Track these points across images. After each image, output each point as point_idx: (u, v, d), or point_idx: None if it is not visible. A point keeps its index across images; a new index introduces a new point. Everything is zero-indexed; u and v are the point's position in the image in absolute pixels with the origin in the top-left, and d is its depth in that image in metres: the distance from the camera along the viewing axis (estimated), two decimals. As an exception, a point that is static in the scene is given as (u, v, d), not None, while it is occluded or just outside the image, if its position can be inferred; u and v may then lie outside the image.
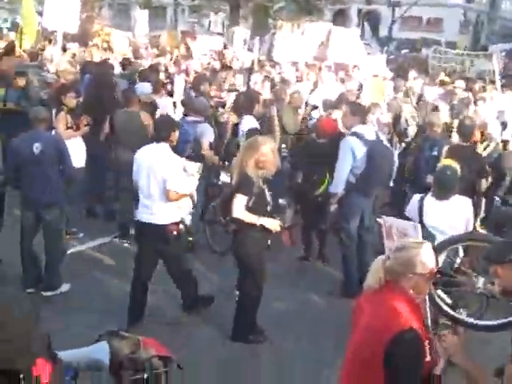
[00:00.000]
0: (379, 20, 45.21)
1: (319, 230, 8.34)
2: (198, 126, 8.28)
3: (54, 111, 8.37)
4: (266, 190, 5.94)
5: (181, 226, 6.76)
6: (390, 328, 3.25)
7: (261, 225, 5.84)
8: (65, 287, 6.97)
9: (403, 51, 33.83)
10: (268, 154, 5.82)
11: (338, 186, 7.31)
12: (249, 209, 5.82)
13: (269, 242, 6.23)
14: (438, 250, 4.94)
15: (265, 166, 5.85)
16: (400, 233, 4.47)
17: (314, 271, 8.21)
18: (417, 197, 6.14)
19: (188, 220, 7.80)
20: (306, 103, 11.20)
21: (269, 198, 5.93)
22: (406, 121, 11.04)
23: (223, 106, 9.91)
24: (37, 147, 6.66)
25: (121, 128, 8.48)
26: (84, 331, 5.78)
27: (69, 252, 7.65)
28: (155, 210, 6.28)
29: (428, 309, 4.18)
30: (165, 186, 6.17)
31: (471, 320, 4.92)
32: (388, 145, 7.54)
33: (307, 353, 6.10)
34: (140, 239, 6.61)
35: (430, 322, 4.19)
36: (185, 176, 6.72)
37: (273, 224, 5.91)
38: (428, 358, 3.40)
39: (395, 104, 11.19)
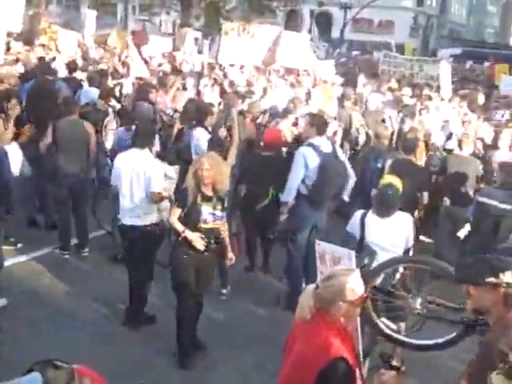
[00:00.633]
0: (331, 22, 45.66)
1: (263, 240, 8.31)
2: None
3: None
4: (206, 207, 5.81)
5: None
6: (322, 357, 3.29)
7: (188, 240, 5.80)
8: (1, 302, 6.73)
9: (354, 52, 34.20)
10: (204, 168, 5.73)
11: (289, 195, 7.26)
12: (181, 220, 5.83)
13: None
14: (377, 270, 5.03)
15: (204, 180, 5.76)
16: (333, 259, 4.45)
17: (259, 282, 8.17)
18: (359, 213, 6.15)
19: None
20: (265, 111, 11.05)
21: (204, 216, 5.79)
22: (357, 130, 11.13)
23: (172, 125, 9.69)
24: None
25: (63, 137, 8.20)
26: (27, 346, 5.76)
27: (7, 264, 7.42)
28: (138, 213, 6.58)
29: (360, 337, 4.16)
30: (148, 189, 6.51)
31: (413, 341, 5.01)
32: (344, 159, 7.47)
33: (251, 366, 6.09)
34: (125, 241, 6.84)
35: (361, 349, 4.18)
36: (164, 179, 6.87)
37: (196, 240, 5.79)
38: None
39: (345, 113, 11.23)
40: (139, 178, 6.55)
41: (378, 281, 5.13)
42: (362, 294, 3.47)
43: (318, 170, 7.04)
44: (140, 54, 16.10)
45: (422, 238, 9.73)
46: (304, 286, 7.33)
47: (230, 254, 6.20)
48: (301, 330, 3.50)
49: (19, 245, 8.31)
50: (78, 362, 3.41)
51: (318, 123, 7.42)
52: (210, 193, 5.85)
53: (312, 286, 3.52)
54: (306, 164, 7.07)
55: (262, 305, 7.44)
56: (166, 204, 6.76)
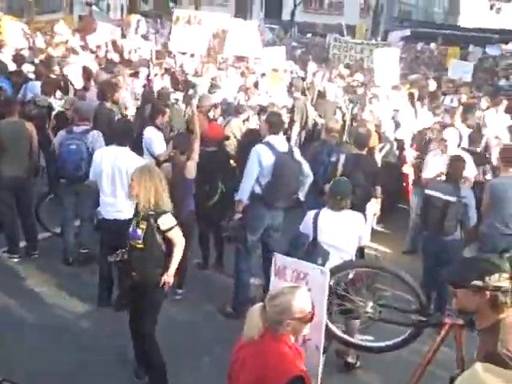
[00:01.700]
0: (281, 3, 45.21)
1: (216, 238, 8.26)
2: (88, 135, 7.85)
3: None
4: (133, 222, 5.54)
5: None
6: (280, 377, 3.31)
7: None
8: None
9: (308, 35, 34.12)
10: (131, 179, 5.57)
11: (243, 194, 7.12)
12: None
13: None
14: (330, 274, 5.03)
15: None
16: (297, 275, 4.36)
17: (214, 280, 8.11)
18: (312, 213, 6.14)
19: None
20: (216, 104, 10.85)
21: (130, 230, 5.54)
22: (314, 121, 11.09)
23: None
24: None
25: (4, 139, 7.91)
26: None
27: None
28: (120, 207, 6.76)
29: (321, 349, 4.17)
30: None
31: (366, 343, 5.08)
32: (300, 158, 7.30)
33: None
34: (104, 234, 7.08)
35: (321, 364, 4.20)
36: None
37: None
38: None
39: (301, 104, 11.07)
40: (121, 175, 6.78)
41: (331, 283, 5.15)
42: (311, 311, 3.48)
43: (272, 169, 6.92)
44: (86, 44, 15.77)
45: (376, 227, 9.90)
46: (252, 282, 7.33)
47: (165, 282, 5.55)
48: (250, 351, 3.48)
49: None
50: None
51: (272, 121, 7.31)
52: (139, 208, 5.51)
53: (259, 306, 3.52)
54: (260, 162, 6.96)
55: (215, 304, 7.34)
56: None
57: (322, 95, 12.75)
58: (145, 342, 5.62)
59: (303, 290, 3.55)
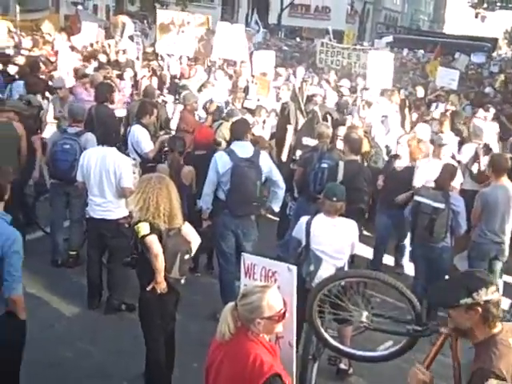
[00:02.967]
0: (268, 7, 45.21)
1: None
2: (82, 137, 7.83)
3: None
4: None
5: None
6: (258, 377, 3.35)
7: None
8: None
9: (297, 39, 34.20)
10: None
11: (204, 201, 7.15)
12: None
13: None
14: (324, 284, 4.97)
15: None
16: (266, 273, 4.34)
17: (205, 284, 8.00)
18: (304, 219, 6.09)
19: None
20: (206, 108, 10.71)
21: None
22: None
23: None
24: None
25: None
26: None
27: None
28: (109, 207, 6.94)
29: (294, 351, 4.18)
30: (119, 185, 6.84)
31: (359, 352, 5.03)
32: (268, 165, 7.12)
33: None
34: (92, 233, 7.23)
35: (294, 363, 4.30)
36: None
37: None
38: None
39: (293, 109, 10.98)
40: (109, 175, 6.86)
41: (325, 292, 5.09)
42: (281, 310, 3.51)
43: (230, 176, 6.90)
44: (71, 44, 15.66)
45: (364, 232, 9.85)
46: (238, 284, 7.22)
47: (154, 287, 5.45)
48: (226, 351, 3.51)
49: None
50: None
51: (232, 128, 7.43)
52: None
53: (230, 305, 3.57)
54: (217, 170, 6.94)
55: (205, 308, 7.24)
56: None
57: (310, 100, 12.69)
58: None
59: (274, 289, 3.58)
